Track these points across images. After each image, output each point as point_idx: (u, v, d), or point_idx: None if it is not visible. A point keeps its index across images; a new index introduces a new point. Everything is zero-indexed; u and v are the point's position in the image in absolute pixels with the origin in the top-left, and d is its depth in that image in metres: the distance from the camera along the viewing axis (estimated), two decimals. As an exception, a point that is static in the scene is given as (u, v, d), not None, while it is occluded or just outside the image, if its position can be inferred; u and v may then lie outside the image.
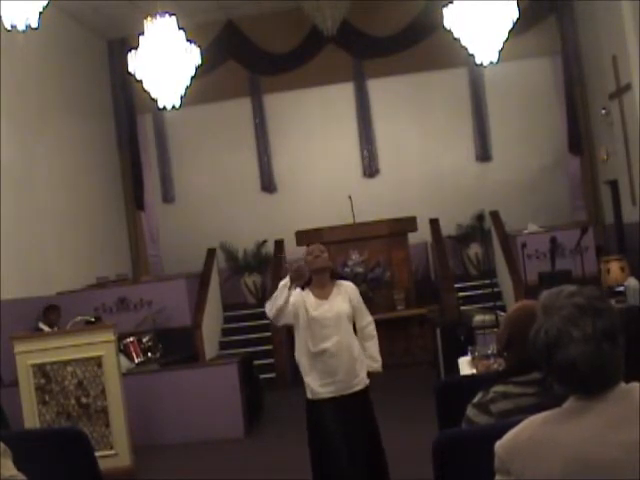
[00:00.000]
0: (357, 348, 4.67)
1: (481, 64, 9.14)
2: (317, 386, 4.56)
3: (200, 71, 9.25)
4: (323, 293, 4.64)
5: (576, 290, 1.67)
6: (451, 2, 8.38)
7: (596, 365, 1.59)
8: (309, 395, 4.62)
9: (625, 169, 10.50)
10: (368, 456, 4.61)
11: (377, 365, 4.76)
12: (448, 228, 12.11)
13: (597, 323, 1.60)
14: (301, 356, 4.64)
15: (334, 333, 4.55)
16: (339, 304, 4.61)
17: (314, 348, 4.55)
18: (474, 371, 4.56)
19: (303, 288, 4.66)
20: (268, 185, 13.33)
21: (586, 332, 1.59)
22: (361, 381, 4.63)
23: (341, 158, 13.09)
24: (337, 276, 4.89)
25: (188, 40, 8.75)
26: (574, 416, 1.61)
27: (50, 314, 9.16)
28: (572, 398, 1.64)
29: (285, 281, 4.54)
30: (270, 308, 4.59)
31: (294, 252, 11.12)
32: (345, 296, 4.65)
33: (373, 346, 4.78)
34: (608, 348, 1.60)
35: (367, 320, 4.79)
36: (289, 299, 4.54)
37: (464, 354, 5.18)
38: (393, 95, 12.99)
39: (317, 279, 4.65)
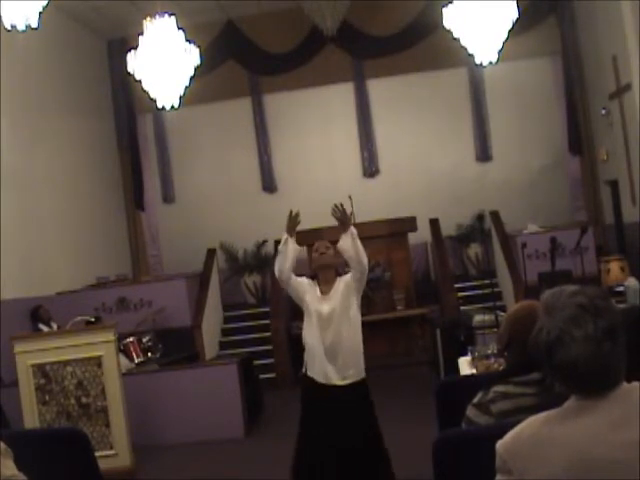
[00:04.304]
0: (354, 342, 4.73)
1: (481, 64, 9.14)
2: (310, 369, 4.75)
3: (200, 71, 9.25)
4: (327, 289, 4.74)
5: (578, 289, 1.66)
6: (451, 2, 8.38)
7: (597, 365, 1.58)
8: (304, 369, 4.80)
9: (625, 169, 10.50)
10: (363, 454, 4.62)
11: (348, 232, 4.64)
12: (448, 228, 12.10)
13: (599, 323, 1.59)
14: (305, 336, 4.81)
15: (327, 328, 4.66)
16: (336, 299, 4.70)
17: (310, 338, 4.73)
18: (474, 371, 4.57)
19: (313, 279, 4.79)
20: (268, 185, 13.33)
21: (587, 332, 1.59)
22: (354, 375, 4.69)
23: (341, 158, 13.09)
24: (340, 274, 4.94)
25: (188, 40, 8.74)
26: (575, 416, 1.61)
27: (41, 314, 9.19)
28: (573, 398, 1.64)
29: (284, 236, 4.69)
30: (277, 268, 4.73)
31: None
32: (340, 289, 4.71)
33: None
34: (610, 348, 1.59)
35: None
36: (292, 255, 4.68)
37: (464, 354, 5.19)
38: (393, 95, 12.99)
39: (322, 275, 4.76)
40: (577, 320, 1.60)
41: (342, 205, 4.68)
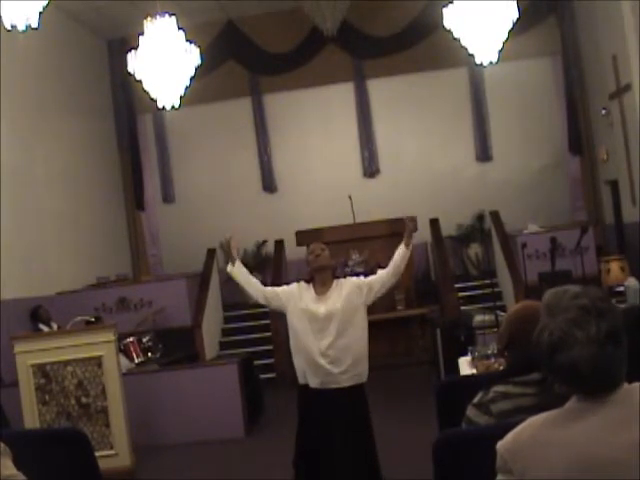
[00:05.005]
0: (358, 346, 4.67)
1: (481, 64, 9.13)
2: (302, 375, 4.69)
3: (200, 71, 9.24)
4: (323, 290, 4.70)
5: (581, 291, 1.66)
6: (451, 2, 8.37)
7: (599, 367, 1.58)
8: (299, 380, 4.75)
9: (625, 169, 10.50)
10: (356, 457, 4.59)
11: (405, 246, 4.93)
12: (448, 228, 12.10)
13: (601, 325, 1.60)
14: (293, 344, 4.80)
15: (324, 329, 4.60)
16: (333, 303, 4.64)
17: (301, 342, 4.66)
18: (474, 371, 4.56)
19: (308, 282, 4.74)
20: (268, 185, 13.33)
21: (590, 334, 1.59)
22: (354, 378, 4.63)
23: (341, 158, 13.08)
24: (337, 276, 4.91)
25: (188, 40, 8.73)
26: (576, 417, 1.61)
27: (41, 314, 9.20)
28: (574, 398, 1.64)
29: (228, 268, 4.85)
30: (253, 295, 4.88)
31: (294, 252, 11.15)
32: (340, 293, 4.67)
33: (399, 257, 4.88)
34: (611, 350, 1.59)
35: (379, 274, 4.86)
36: (247, 276, 4.84)
37: (464, 354, 5.18)
38: (393, 95, 12.99)
39: (318, 277, 4.72)
40: (579, 322, 1.60)
41: (415, 219, 4.93)
